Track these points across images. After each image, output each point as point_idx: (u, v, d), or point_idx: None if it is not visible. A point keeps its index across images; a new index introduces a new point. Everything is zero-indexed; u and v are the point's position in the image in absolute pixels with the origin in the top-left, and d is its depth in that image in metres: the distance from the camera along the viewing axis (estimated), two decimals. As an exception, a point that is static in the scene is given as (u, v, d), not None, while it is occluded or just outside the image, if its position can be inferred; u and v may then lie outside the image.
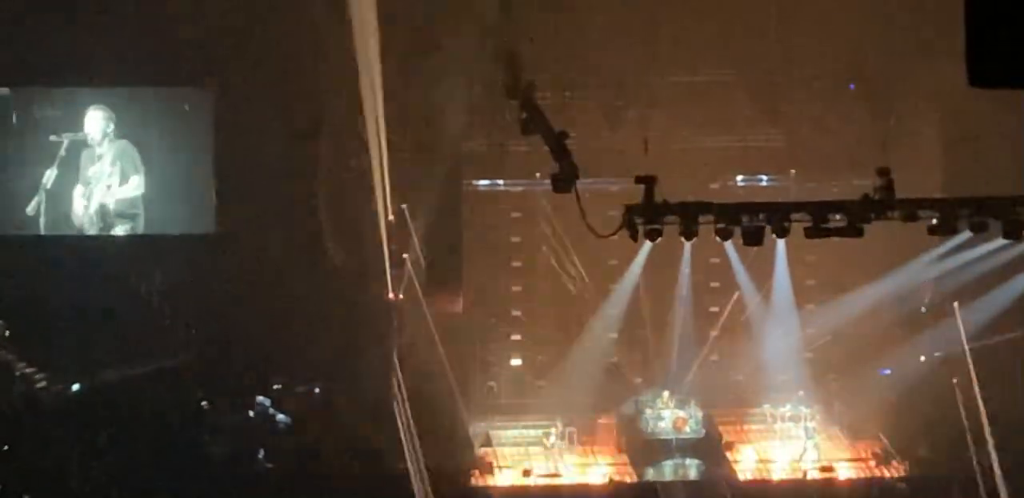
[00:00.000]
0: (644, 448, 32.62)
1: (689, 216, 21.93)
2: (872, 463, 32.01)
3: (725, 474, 31.65)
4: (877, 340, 33.22)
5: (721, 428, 33.40)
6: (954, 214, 21.84)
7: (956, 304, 30.19)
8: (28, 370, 30.86)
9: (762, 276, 33.64)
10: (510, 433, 33.69)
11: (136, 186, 32.54)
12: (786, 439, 32.64)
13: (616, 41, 32.18)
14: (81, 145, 32.36)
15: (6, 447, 29.30)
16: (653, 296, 33.75)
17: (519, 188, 34.33)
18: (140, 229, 32.71)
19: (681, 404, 32.90)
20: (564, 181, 21.53)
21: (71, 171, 32.39)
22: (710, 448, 32.66)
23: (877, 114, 33.22)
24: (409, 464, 28.73)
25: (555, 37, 31.79)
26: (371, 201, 32.24)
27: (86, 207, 32.56)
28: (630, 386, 34.04)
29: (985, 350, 30.77)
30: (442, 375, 32.48)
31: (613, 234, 22.53)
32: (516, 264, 34.95)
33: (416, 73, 30.94)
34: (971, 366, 28.35)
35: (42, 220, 32.42)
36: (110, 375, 30.96)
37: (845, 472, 31.72)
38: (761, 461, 32.20)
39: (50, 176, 32.24)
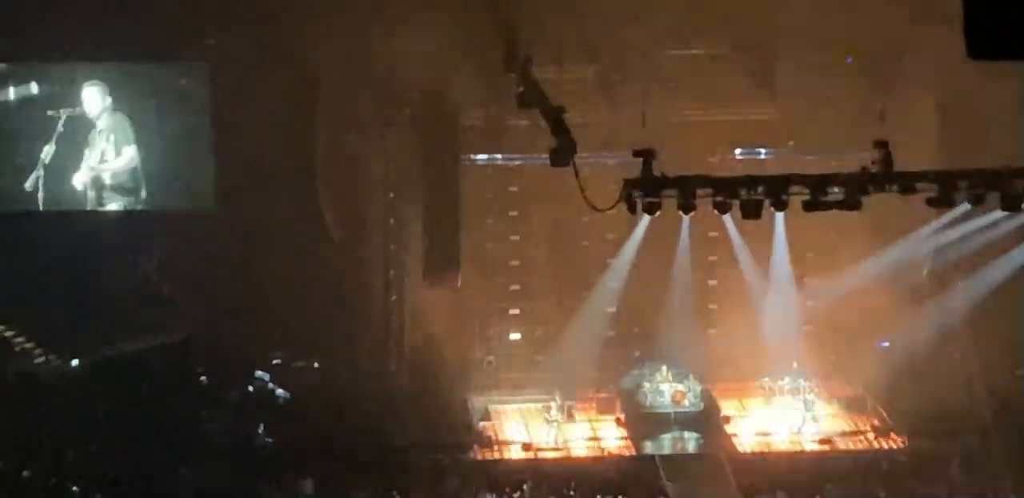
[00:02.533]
0: (643, 422, 32.67)
1: (687, 190, 21.93)
2: (871, 435, 32.05)
3: (724, 447, 31.68)
4: (876, 313, 33.19)
5: (720, 401, 33.45)
6: (952, 186, 21.84)
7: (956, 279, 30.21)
8: (27, 346, 30.87)
9: (761, 249, 33.65)
10: (509, 407, 33.74)
11: (130, 158, 32.46)
12: (785, 412, 32.67)
13: (614, 15, 32.04)
14: (79, 120, 32.32)
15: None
16: (651, 270, 33.70)
17: (517, 162, 34.28)
18: (139, 204, 32.67)
19: (679, 378, 32.96)
20: (562, 155, 21.53)
21: (69, 146, 32.34)
22: (709, 421, 32.71)
23: (875, 87, 33.13)
24: None
25: (553, 11, 31.67)
26: (370, 176, 32.18)
27: (84, 182, 32.52)
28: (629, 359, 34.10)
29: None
30: (441, 350, 32.49)
31: (611, 208, 22.53)
32: (514, 238, 34.92)
33: (414, 47, 30.85)
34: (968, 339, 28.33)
35: (40, 195, 32.36)
36: (109, 351, 30.97)
37: (844, 445, 31.76)
38: (760, 434, 32.22)
39: (48, 151, 32.19)
